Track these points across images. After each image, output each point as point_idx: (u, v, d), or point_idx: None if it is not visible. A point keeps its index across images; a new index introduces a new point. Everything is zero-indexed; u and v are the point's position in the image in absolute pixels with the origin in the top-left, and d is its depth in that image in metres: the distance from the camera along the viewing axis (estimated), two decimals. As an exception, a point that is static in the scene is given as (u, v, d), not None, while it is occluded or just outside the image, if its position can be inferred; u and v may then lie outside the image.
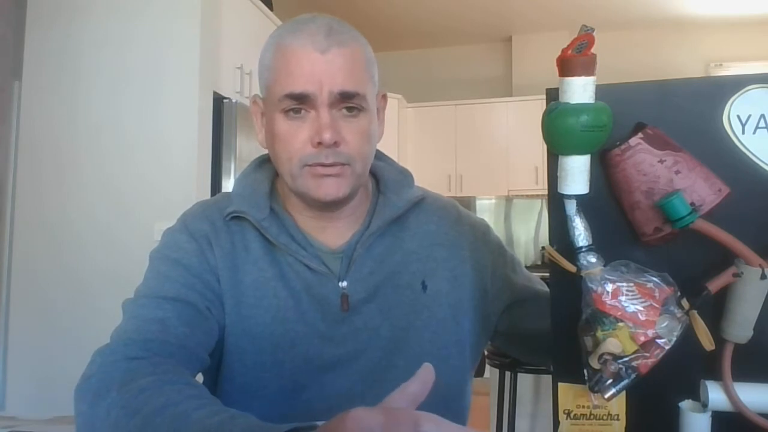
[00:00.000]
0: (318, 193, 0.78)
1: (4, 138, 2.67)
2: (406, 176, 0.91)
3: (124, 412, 0.63)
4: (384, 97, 0.87)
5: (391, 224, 0.86)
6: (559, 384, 0.69)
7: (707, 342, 0.63)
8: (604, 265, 0.64)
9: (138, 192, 2.52)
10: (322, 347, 0.80)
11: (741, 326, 0.62)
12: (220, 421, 0.59)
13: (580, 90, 0.62)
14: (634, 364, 0.62)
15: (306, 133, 0.77)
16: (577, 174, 0.64)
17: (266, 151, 0.87)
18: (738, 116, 0.64)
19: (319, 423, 0.60)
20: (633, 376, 0.62)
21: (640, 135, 0.63)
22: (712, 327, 0.63)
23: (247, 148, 2.75)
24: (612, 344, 0.61)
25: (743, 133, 0.64)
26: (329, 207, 0.82)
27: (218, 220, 0.84)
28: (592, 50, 0.62)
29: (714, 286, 0.62)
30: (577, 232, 0.65)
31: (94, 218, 2.55)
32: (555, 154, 0.66)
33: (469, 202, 5.24)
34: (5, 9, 2.68)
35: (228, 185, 2.64)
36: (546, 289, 0.92)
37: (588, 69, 0.62)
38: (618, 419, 0.67)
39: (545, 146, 0.66)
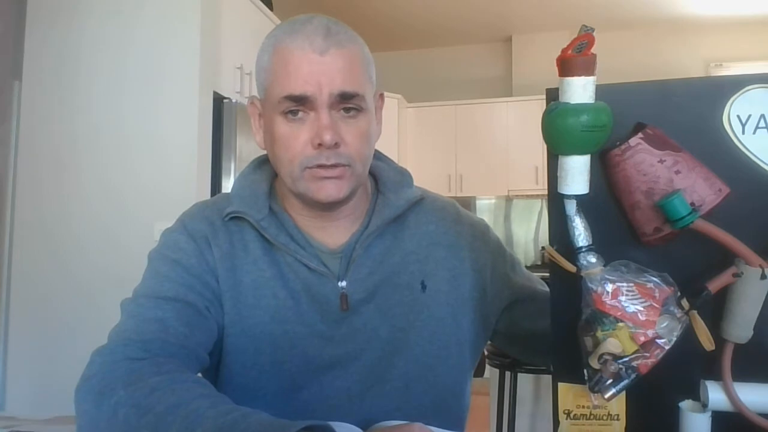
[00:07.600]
0: (318, 195, 0.78)
1: (4, 138, 2.67)
2: (404, 176, 0.91)
3: (134, 410, 0.63)
4: (381, 96, 0.87)
5: (391, 224, 0.86)
6: (559, 384, 0.69)
7: (707, 342, 0.62)
8: (604, 265, 0.64)
9: (138, 192, 2.52)
10: (321, 347, 0.80)
11: (741, 326, 0.62)
12: (234, 419, 0.60)
13: (580, 90, 0.62)
14: (634, 364, 0.62)
15: (306, 135, 0.77)
16: (577, 174, 0.64)
17: (266, 152, 0.87)
18: (738, 116, 0.64)
19: (332, 423, 0.60)
20: (633, 376, 0.62)
21: (640, 135, 0.63)
22: (712, 327, 0.63)
23: (247, 148, 2.75)
24: (612, 344, 0.61)
25: (743, 133, 0.64)
26: (329, 207, 0.82)
27: (217, 220, 0.84)
28: (592, 50, 0.62)
29: (714, 286, 0.62)
30: (577, 232, 0.64)
31: (94, 218, 2.54)
32: (555, 154, 0.66)
33: (469, 202, 5.24)
34: (5, 9, 2.68)
35: (228, 185, 2.64)
36: (546, 288, 0.92)
37: (588, 69, 0.62)
38: (618, 419, 0.67)
39: (545, 146, 0.66)
